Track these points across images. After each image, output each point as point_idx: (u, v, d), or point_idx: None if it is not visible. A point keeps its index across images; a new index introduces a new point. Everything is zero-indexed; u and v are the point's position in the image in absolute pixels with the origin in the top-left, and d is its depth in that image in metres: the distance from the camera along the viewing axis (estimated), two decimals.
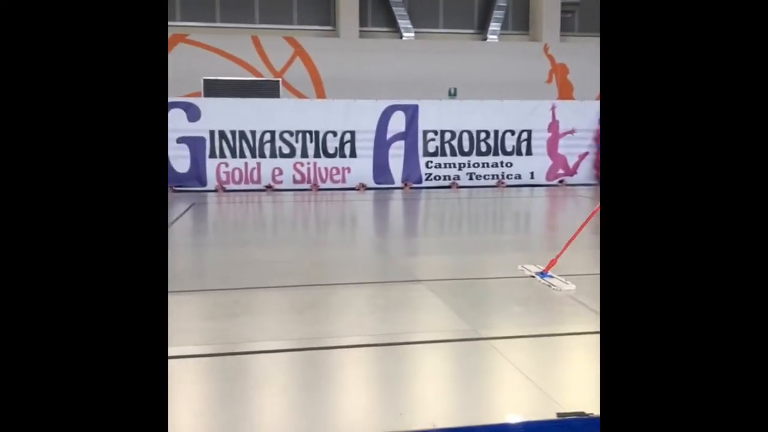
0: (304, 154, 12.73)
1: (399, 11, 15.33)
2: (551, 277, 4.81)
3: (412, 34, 15.37)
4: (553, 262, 4.87)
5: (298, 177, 12.76)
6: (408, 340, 3.56)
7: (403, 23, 15.31)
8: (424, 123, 12.94)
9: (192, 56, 13.91)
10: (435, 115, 12.81)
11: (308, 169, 12.84)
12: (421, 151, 13.07)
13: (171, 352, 3.31)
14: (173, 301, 4.35)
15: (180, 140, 12.32)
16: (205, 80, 13.34)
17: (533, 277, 4.88)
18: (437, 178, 13.04)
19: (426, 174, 13.16)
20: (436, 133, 12.95)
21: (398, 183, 13.02)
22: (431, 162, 13.07)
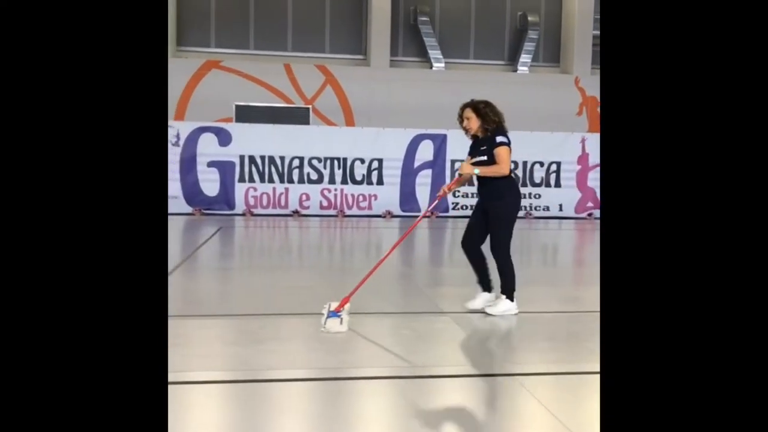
0: (332, 181, 12.77)
1: (430, 41, 15.44)
2: (338, 315, 4.20)
3: (443, 65, 15.44)
4: (346, 300, 4.37)
5: (325, 203, 12.78)
6: (433, 373, 3.46)
7: (434, 53, 15.40)
8: (452, 152, 12.91)
9: (225, 82, 14.14)
10: (464, 145, 12.77)
11: (335, 195, 12.86)
12: (448, 180, 13.01)
13: (194, 377, 3.26)
14: (197, 326, 4.31)
15: (210, 164, 12.47)
16: (236, 106, 13.54)
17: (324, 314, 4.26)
18: (464, 207, 12.95)
19: (453, 203, 13.08)
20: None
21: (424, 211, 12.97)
22: (458, 191, 12.99)
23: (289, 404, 3.00)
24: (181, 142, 12.44)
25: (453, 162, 12.93)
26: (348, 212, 12.72)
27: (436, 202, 5.33)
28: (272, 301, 5.07)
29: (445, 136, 12.89)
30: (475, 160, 4.60)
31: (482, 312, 4.71)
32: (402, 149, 12.85)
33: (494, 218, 4.57)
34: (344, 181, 12.86)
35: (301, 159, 12.76)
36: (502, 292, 4.67)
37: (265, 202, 12.71)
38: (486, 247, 4.76)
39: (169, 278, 5.94)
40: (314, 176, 12.83)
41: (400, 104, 14.81)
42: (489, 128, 4.57)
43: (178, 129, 12.53)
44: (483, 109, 4.60)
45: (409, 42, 15.73)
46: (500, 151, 4.47)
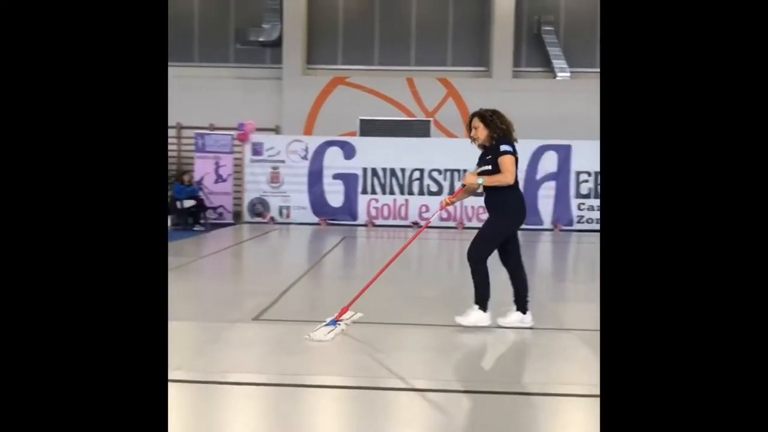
0: (452, 193, 12.76)
1: (554, 51, 15.02)
2: (336, 324, 4.28)
3: (568, 74, 14.95)
4: (345, 309, 4.45)
5: (444, 215, 12.78)
6: (551, 391, 3.33)
7: (558, 63, 14.95)
8: (577, 164, 12.43)
9: (350, 97, 14.63)
10: (589, 156, 12.26)
11: (455, 207, 12.82)
12: (573, 193, 12.54)
13: (318, 381, 3.38)
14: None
15: (336, 176, 12.94)
16: (361, 120, 13.96)
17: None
18: (590, 221, 12.40)
19: (578, 216, 12.57)
20: (589, 174, 12.38)
21: (547, 224, 12.55)
22: (583, 204, 12.48)
23: (399, 413, 3.03)
24: (309, 156, 13.02)
25: (578, 174, 12.45)
26: (468, 224, 12.63)
27: (438, 213, 5.23)
28: (395, 310, 5.14)
29: (569, 147, 12.45)
30: (480, 169, 4.45)
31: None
32: (525, 160, 12.56)
33: (486, 225, 4.44)
34: None
35: (422, 171, 12.87)
36: (475, 302, 4.41)
37: (386, 213, 12.96)
38: (495, 259, 4.54)
39: (296, 285, 6.22)
40: (434, 188, 12.88)
41: (522, 115, 14.43)
42: (495, 137, 4.38)
43: (306, 143, 13.13)
44: (490, 117, 4.41)
45: (532, 52, 15.39)
46: (504, 160, 4.27)
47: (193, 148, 13.78)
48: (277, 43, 14.95)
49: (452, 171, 12.78)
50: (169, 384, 3.21)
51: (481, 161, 4.48)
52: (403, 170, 12.88)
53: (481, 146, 4.52)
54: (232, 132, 13.35)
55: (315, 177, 12.94)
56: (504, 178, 4.28)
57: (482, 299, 4.42)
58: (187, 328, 4.35)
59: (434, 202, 12.80)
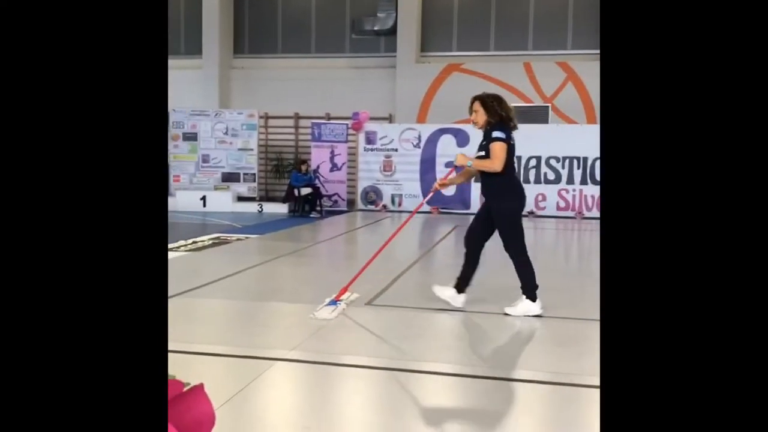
0: (570, 181, 12.24)
1: None
2: (336, 304, 4.48)
3: None
4: (344, 290, 4.73)
5: (562, 204, 12.30)
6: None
7: None
8: None
9: (465, 84, 14.41)
10: None
11: (573, 196, 12.30)
12: None
13: (423, 366, 3.34)
14: (433, 317, 4.44)
15: (448, 164, 12.81)
16: None
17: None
18: None
19: None
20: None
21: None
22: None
23: (518, 401, 2.91)
24: (422, 144, 12.99)
25: None
26: (587, 214, 12.06)
27: (431, 195, 5.11)
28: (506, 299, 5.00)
29: None
30: (476, 154, 4.42)
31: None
32: None
33: (496, 218, 4.39)
34: (584, 182, 12.24)
35: (539, 158, 12.45)
36: (523, 293, 4.40)
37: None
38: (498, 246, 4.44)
39: (408, 272, 6.22)
40: (551, 176, 12.42)
41: None
42: (492, 122, 4.31)
43: (419, 131, 13.12)
44: (491, 103, 4.35)
45: None
46: (494, 146, 4.19)
47: (309, 137, 14.23)
48: (392, 32, 15.02)
49: (571, 158, 12.25)
50: (287, 363, 3.34)
51: (480, 146, 4.45)
52: (519, 158, 12.51)
53: (482, 130, 4.48)
54: (346, 121, 13.62)
55: (427, 165, 12.90)
56: (491, 164, 4.22)
57: (530, 289, 4.40)
58: (303, 311, 4.48)
59: (552, 191, 12.34)
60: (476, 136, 13.11)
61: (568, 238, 10.06)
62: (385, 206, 13.22)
